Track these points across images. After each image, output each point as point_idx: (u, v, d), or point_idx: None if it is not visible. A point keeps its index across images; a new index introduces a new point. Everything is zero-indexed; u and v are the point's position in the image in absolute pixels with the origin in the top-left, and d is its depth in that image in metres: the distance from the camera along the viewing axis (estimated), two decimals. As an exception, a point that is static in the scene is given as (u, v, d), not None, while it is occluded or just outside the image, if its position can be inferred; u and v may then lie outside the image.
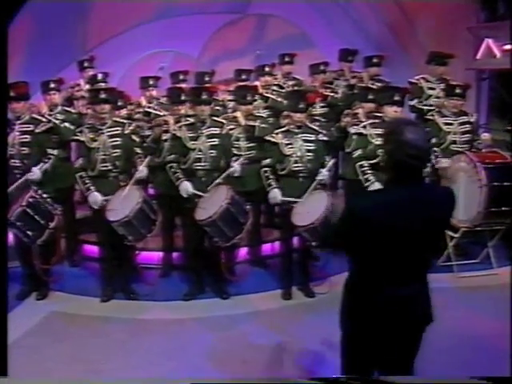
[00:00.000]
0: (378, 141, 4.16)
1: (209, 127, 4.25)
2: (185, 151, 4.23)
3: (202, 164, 4.21)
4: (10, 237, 4.30)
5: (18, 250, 4.36)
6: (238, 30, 7.44)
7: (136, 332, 3.95)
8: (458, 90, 4.71)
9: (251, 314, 4.14)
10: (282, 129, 4.31)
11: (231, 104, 5.14)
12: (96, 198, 4.16)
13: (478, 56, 6.40)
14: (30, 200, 4.07)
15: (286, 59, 5.78)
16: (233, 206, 4.01)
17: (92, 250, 5.09)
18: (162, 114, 4.88)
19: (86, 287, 4.58)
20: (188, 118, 4.36)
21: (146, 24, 7.13)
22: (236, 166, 4.19)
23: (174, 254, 4.93)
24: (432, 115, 4.81)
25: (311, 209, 4.02)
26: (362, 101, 4.86)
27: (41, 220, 4.10)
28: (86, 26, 6.92)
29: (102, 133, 4.25)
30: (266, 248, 5.10)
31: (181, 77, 5.45)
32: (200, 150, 4.20)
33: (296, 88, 5.32)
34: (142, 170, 4.18)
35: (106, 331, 3.97)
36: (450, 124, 4.75)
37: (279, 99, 5.17)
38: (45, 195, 4.16)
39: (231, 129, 4.33)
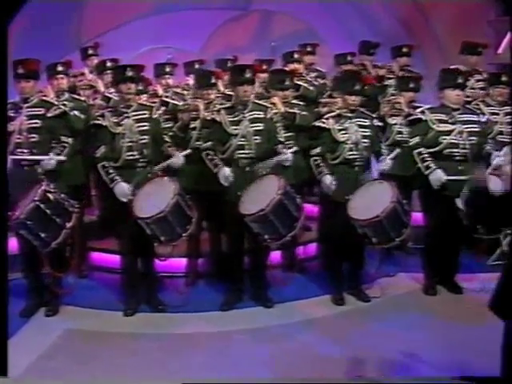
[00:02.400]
0: (440, 127, 3.79)
1: (251, 111, 3.75)
2: (225, 137, 3.71)
3: (246, 152, 3.69)
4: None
5: (23, 257, 3.68)
6: (241, 27, 7.06)
7: (176, 349, 3.34)
8: (503, 78, 4.43)
9: (305, 323, 3.62)
10: (333, 113, 3.86)
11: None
12: (123, 188, 3.56)
13: (500, 50, 6.23)
14: (43, 194, 3.42)
15: (308, 49, 5.39)
16: (286, 198, 3.50)
17: (100, 258, 4.51)
18: (180, 103, 4.35)
19: (99, 300, 3.95)
20: (224, 101, 3.86)
21: (144, 19, 6.70)
22: (289, 154, 3.69)
23: (199, 260, 4.35)
24: (477, 104, 4.51)
25: (372, 201, 3.57)
26: (402, 90, 4.53)
27: (56, 218, 3.44)
28: (81, 21, 6.47)
29: (128, 116, 3.68)
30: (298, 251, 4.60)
31: (196, 66, 4.96)
32: (243, 136, 3.69)
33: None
34: (179, 157, 3.62)
35: (138, 349, 3.34)
36: (496, 114, 4.47)
37: (311, 88, 4.77)
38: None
39: (275, 113, 3.84)
